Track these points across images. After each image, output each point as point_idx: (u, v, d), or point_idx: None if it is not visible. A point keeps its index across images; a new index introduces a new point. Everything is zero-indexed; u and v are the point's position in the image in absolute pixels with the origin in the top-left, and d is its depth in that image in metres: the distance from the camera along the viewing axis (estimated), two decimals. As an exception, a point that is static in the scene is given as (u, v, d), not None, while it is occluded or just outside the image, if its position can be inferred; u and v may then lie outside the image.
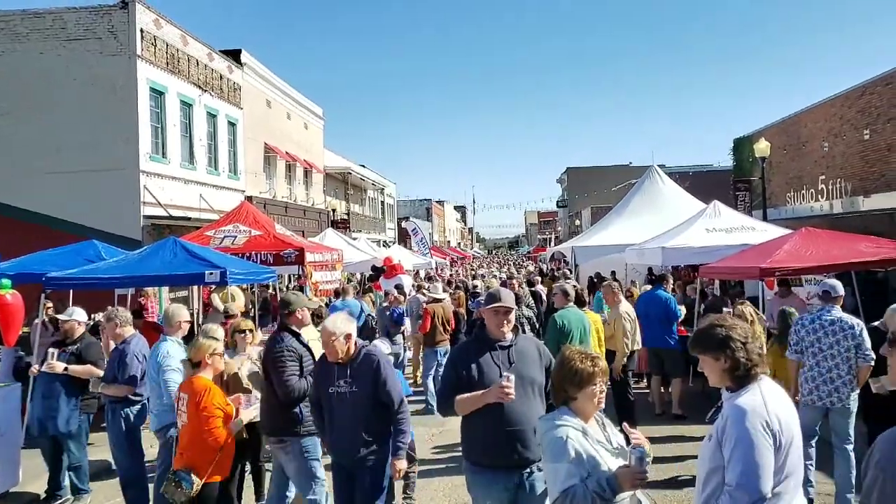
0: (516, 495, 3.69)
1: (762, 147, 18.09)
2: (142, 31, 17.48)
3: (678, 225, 14.06)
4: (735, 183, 22.68)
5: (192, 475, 4.21)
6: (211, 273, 8.56)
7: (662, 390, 9.59)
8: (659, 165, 20.17)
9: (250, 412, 4.91)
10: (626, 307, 8.12)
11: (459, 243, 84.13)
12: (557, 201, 73.32)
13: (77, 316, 6.69)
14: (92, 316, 14.14)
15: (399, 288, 11.80)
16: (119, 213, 16.79)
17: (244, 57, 23.86)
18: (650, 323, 9.21)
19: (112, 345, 6.32)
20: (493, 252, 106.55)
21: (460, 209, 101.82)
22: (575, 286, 7.49)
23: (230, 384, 5.20)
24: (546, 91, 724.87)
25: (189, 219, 17.80)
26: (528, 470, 3.69)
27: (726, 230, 12.89)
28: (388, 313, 9.84)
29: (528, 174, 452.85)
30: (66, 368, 6.25)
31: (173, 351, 5.46)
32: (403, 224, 47.52)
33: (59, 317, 6.90)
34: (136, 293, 13.34)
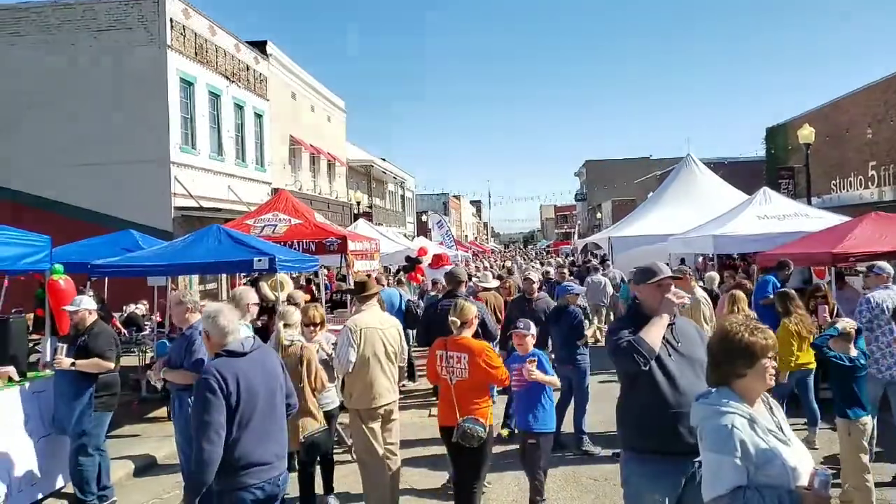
0: (684, 486, 3.36)
1: (806, 133, 17.53)
2: (171, 20, 17.26)
3: (726, 213, 13.64)
4: (779, 171, 22.13)
5: (482, 420, 4.64)
6: (259, 260, 8.26)
7: None
8: (679, 157, 19.73)
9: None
10: (702, 293, 7.72)
11: (476, 237, 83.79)
12: (576, 195, 72.73)
13: (85, 305, 6.12)
14: (124, 307, 14.17)
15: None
16: (150, 205, 16.59)
17: (269, 48, 23.62)
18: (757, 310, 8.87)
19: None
20: (509, 246, 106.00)
21: (476, 203, 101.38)
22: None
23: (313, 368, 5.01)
24: (563, 83, 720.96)
25: (220, 210, 17.58)
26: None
27: (779, 217, 12.47)
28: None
29: (542, 168, 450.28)
30: (73, 364, 5.71)
31: (246, 335, 5.15)
32: (426, 216, 47.22)
33: (67, 308, 6.30)
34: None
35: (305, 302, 7.28)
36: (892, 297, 6.25)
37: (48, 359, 7.25)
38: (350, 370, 4.99)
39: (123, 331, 13.04)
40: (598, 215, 56.58)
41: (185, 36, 17.95)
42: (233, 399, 3.37)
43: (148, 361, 11.05)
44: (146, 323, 13.61)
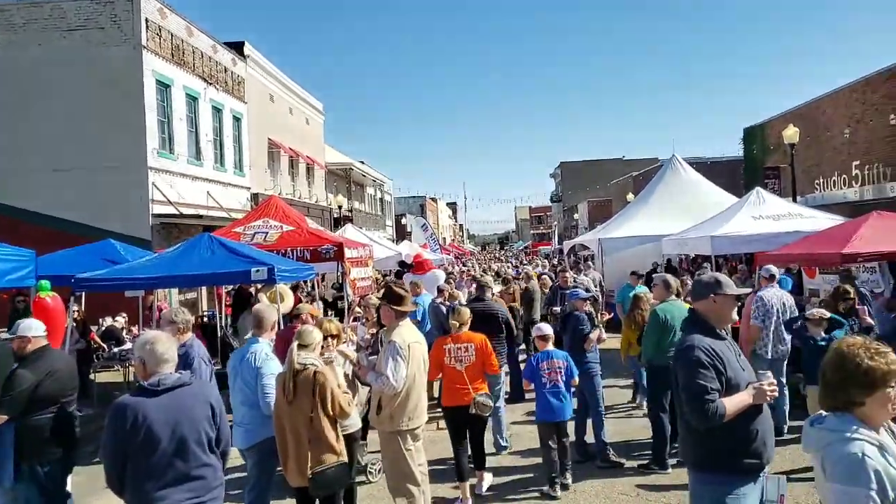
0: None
1: (790, 133, 17.63)
2: (146, 20, 16.64)
3: (720, 213, 13.56)
4: (764, 171, 22.29)
5: (489, 394, 5.97)
6: (257, 270, 7.88)
7: None
8: (653, 158, 19.73)
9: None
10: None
11: (453, 239, 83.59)
12: (552, 196, 73.06)
13: (24, 331, 4.97)
14: (101, 320, 13.55)
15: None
16: (126, 212, 15.98)
17: (247, 49, 23.05)
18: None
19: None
20: (486, 248, 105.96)
21: (451, 206, 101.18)
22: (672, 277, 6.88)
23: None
24: (537, 84, 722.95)
25: (200, 216, 17.00)
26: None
27: (774, 217, 12.43)
28: (444, 309, 9.14)
29: (517, 170, 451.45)
30: None
31: (270, 353, 4.75)
32: (405, 219, 46.79)
33: (2, 336, 5.36)
34: (147, 295, 12.60)
35: (312, 315, 6.90)
36: (777, 294, 7.57)
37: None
38: (400, 389, 4.69)
39: (103, 345, 12.48)
40: (575, 216, 56.80)
41: (161, 36, 17.33)
42: (135, 436, 3.32)
43: (132, 378, 10.56)
44: (126, 336, 13.03)
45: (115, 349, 12.35)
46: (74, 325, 9.10)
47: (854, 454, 2.31)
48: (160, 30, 17.30)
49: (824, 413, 2.55)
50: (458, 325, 6.01)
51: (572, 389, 6.22)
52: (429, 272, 12.16)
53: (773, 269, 8.21)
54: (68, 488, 5.23)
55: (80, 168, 16.00)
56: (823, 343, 6.28)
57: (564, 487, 5.97)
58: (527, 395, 8.17)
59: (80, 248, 11.03)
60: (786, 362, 7.56)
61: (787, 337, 7.37)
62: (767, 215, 12.47)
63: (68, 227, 15.50)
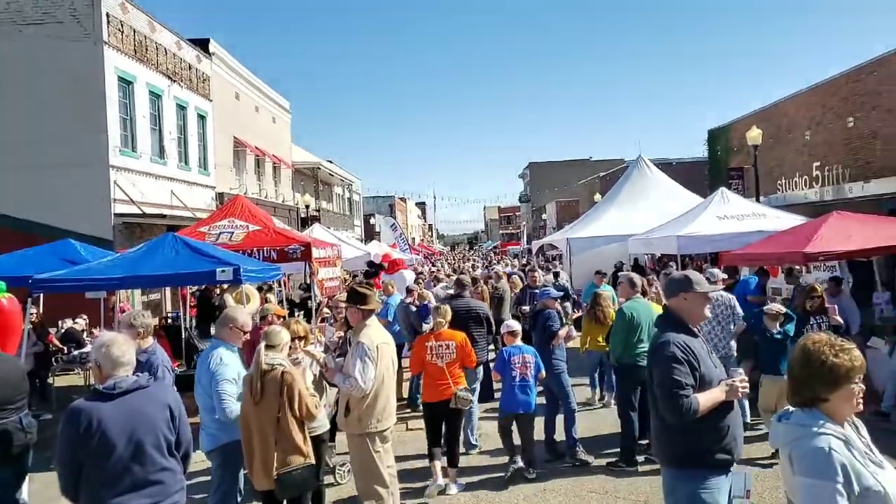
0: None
1: (754, 135, 18.03)
2: (108, 15, 16.23)
3: (686, 213, 13.80)
4: (728, 171, 22.72)
5: (468, 388, 6.24)
6: (223, 271, 7.71)
7: None
8: (619, 159, 20.05)
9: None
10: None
11: (423, 239, 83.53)
12: (520, 196, 73.48)
13: None
14: (60, 322, 13.18)
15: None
16: (87, 212, 15.56)
17: (212, 46, 22.66)
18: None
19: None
20: (455, 248, 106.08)
21: (420, 206, 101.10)
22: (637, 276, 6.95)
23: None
24: (505, 85, 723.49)
25: (164, 216, 16.64)
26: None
27: (738, 217, 12.70)
28: (414, 309, 9.09)
29: (486, 170, 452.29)
30: None
31: (227, 358, 4.62)
32: (374, 219, 46.57)
33: None
34: (109, 296, 12.30)
35: (278, 315, 6.80)
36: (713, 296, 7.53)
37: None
38: (369, 391, 4.62)
39: (62, 348, 12.15)
40: (543, 216, 57.24)
41: (122, 32, 16.91)
42: (89, 442, 3.22)
43: (93, 381, 10.29)
44: (87, 338, 12.69)
45: (75, 352, 12.03)
46: (32, 327, 8.80)
47: (821, 448, 2.34)
48: (122, 25, 16.89)
49: (791, 408, 2.58)
50: (443, 322, 6.29)
51: (539, 388, 6.43)
52: (396, 272, 12.07)
53: (717, 272, 8.58)
54: (24, 496, 5.05)
55: (39, 166, 15.51)
56: (779, 336, 6.53)
57: (527, 479, 6.11)
58: (496, 395, 8.21)
59: (37, 248, 10.71)
60: (732, 360, 7.40)
61: (733, 342, 7.35)
62: (731, 215, 12.74)
63: (26, 227, 15.04)
